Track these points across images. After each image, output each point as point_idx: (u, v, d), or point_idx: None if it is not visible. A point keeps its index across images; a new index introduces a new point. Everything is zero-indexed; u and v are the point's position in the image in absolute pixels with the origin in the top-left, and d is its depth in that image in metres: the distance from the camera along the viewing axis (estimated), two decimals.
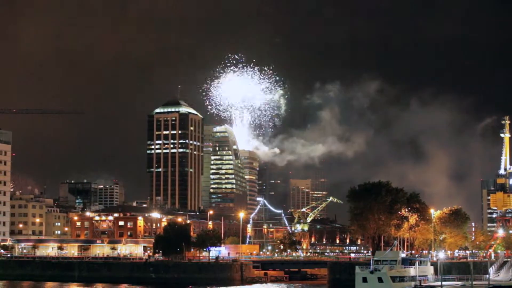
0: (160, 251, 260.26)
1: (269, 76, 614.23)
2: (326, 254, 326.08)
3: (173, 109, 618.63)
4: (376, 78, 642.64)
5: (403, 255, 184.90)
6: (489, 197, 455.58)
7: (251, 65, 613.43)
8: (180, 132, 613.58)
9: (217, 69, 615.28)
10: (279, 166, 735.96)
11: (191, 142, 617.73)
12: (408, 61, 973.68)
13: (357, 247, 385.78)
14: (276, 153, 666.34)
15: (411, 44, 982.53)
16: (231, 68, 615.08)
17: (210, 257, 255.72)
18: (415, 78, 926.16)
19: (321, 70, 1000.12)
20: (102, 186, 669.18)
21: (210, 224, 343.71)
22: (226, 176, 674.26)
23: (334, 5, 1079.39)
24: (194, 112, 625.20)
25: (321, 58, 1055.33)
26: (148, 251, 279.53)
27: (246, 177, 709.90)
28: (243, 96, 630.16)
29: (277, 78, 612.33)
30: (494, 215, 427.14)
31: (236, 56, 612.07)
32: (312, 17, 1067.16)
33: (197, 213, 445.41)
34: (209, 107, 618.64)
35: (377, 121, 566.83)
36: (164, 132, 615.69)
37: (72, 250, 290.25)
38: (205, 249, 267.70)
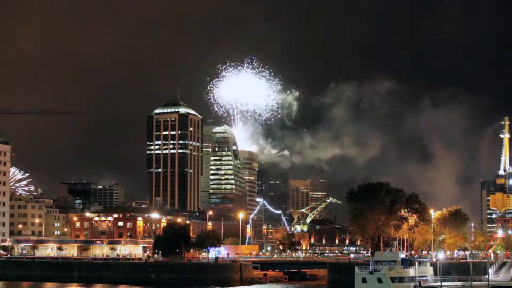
0: (160, 252, 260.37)
1: (277, 76, 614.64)
2: (325, 254, 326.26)
3: (172, 110, 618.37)
4: (389, 79, 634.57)
5: (402, 255, 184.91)
6: (488, 198, 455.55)
7: (259, 65, 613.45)
8: (179, 132, 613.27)
9: (222, 70, 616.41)
10: (283, 168, 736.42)
11: (190, 142, 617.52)
12: (421, 61, 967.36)
13: (357, 248, 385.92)
14: (286, 155, 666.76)
15: (424, 43, 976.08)
16: (236, 68, 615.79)
17: (210, 258, 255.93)
18: (429, 78, 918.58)
19: (331, 70, 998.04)
20: (101, 187, 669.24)
21: (209, 224, 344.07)
22: (226, 176, 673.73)
23: (344, 4, 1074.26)
24: (194, 112, 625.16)
25: (332, 58, 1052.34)
26: (148, 252, 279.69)
27: (245, 177, 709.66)
28: (249, 96, 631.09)
29: (286, 78, 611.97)
30: (493, 216, 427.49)
31: (241, 56, 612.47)
32: (321, 16, 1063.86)
33: (197, 214, 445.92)
34: (211, 108, 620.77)
35: (388, 122, 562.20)
36: (164, 133, 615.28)
37: (71, 251, 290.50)
38: (204, 250, 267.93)
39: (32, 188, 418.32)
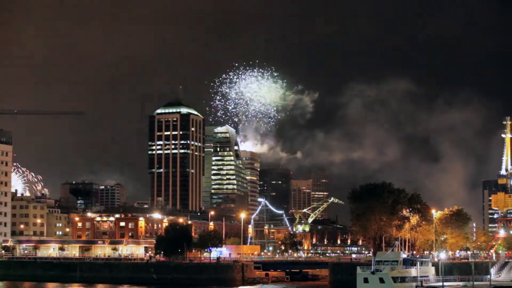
0: (162, 252, 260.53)
1: (287, 76, 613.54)
2: (327, 254, 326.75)
3: (174, 110, 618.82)
4: (404, 80, 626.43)
5: (404, 255, 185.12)
6: (490, 198, 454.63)
7: (267, 64, 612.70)
8: (181, 132, 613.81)
9: (229, 69, 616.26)
10: (288, 168, 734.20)
11: (192, 142, 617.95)
12: (437, 61, 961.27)
13: (358, 248, 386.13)
14: (298, 157, 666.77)
15: (438, 43, 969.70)
16: (245, 67, 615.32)
17: (211, 258, 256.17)
18: (443, 79, 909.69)
19: (344, 71, 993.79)
20: (103, 187, 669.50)
21: (211, 224, 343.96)
22: (227, 176, 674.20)
23: (354, 4, 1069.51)
24: (195, 112, 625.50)
25: (347, 58, 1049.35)
26: (150, 252, 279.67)
27: (247, 177, 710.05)
28: (259, 96, 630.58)
29: (297, 78, 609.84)
30: (495, 216, 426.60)
31: (249, 55, 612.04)
32: (335, 16, 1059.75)
33: (198, 214, 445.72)
34: (216, 108, 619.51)
35: (399, 123, 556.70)
36: (166, 133, 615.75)
37: (73, 251, 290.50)
38: (206, 250, 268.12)
39: (45, 191, 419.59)
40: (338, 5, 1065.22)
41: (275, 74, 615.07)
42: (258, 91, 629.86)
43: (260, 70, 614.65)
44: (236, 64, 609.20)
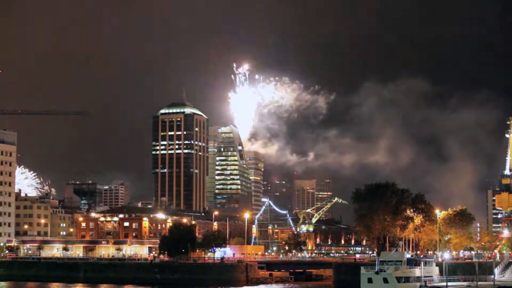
0: (165, 252, 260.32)
1: (299, 77, 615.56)
2: (331, 254, 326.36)
3: (178, 110, 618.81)
4: (419, 80, 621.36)
5: (408, 255, 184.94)
6: (494, 198, 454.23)
7: (281, 67, 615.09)
8: (185, 133, 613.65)
9: (234, 70, 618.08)
10: (296, 169, 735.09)
11: (196, 143, 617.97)
12: (449, 61, 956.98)
13: (362, 248, 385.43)
14: (308, 160, 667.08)
15: (452, 43, 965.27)
16: (254, 68, 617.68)
17: (215, 258, 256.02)
18: (456, 80, 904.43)
19: (357, 71, 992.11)
20: (107, 187, 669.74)
21: (215, 225, 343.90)
22: (231, 177, 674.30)
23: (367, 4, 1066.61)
24: (199, 112, 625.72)
25: (359, 58, 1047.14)
26: (153, 252, 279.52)
27: (251, 177, 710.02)
28: (277, 97, 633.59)
29: (312, 80, 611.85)
30: (499, 216, 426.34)
31: (259, 57, 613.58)
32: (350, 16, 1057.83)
33: (202, 214, 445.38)
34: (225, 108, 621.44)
35: (410, 122, 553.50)
36: (169, 133, 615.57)
37: (77, 251, 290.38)
38: (210, 250, 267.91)
39: (53, 191, 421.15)
40: (355, 5, 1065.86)
41: (292, 72, 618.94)
42: (271, 92, 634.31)
43: (274, 70, 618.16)
44: (249, 64, 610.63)
